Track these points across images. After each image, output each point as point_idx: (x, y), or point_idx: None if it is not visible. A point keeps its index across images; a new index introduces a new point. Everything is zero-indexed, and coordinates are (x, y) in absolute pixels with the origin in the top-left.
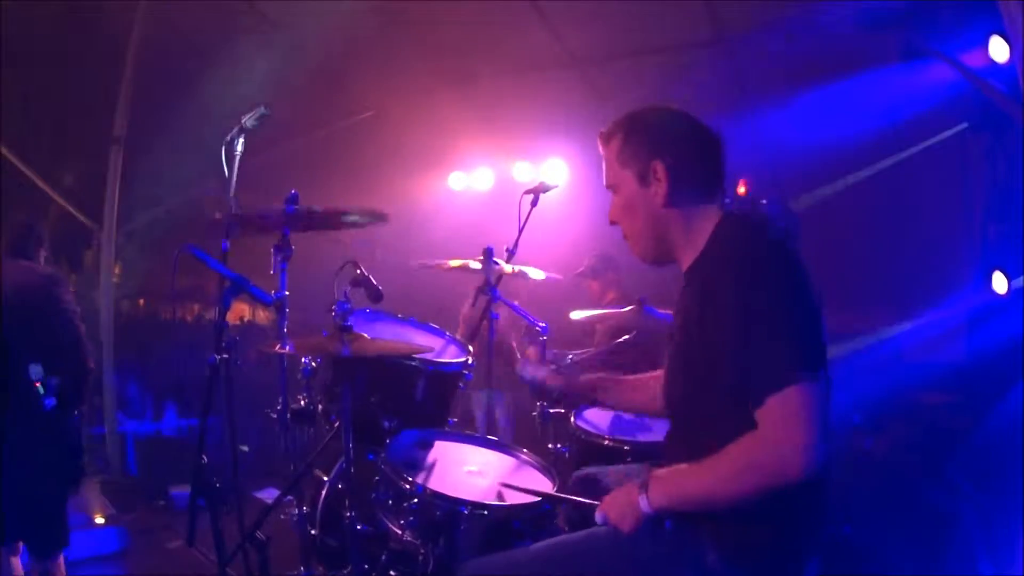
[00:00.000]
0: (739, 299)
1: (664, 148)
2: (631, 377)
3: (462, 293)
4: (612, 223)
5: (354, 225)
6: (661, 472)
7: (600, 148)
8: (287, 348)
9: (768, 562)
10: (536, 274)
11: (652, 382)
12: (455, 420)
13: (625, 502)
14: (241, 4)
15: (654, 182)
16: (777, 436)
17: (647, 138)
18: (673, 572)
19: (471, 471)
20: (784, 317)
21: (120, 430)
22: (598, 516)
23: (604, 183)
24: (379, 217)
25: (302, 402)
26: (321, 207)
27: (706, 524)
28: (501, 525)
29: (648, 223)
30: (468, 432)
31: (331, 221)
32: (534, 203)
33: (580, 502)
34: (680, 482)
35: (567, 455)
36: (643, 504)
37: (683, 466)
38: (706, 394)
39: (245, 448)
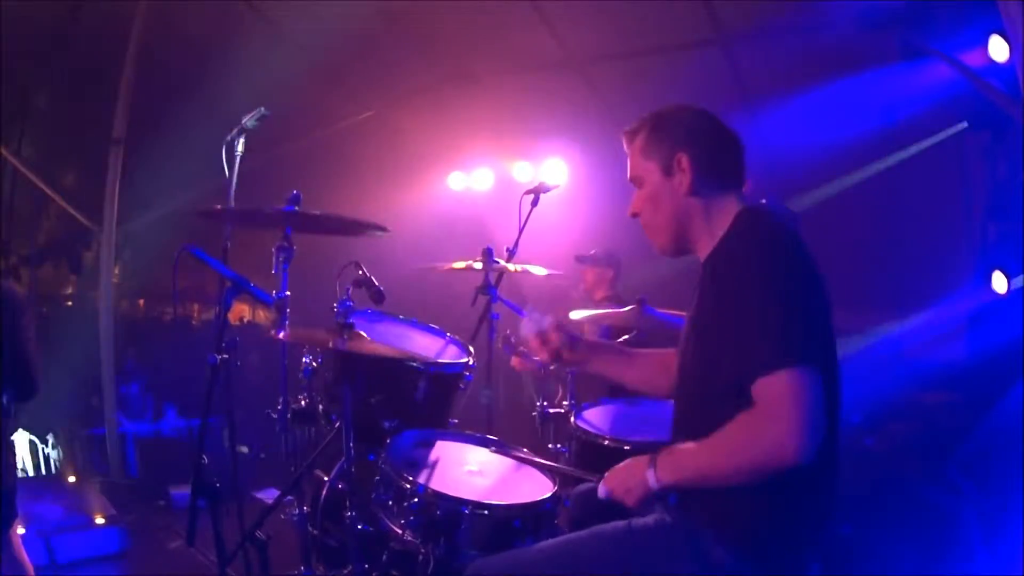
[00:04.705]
0: (745, 286)
1: (688, 140)
2: (633, 351)
3: (463, 293)
4: (633, 215)
5: (355, 232)
6: (669, 449)
7: (625, 145)
8: (282, 334)
9: (773, 557)
10: (538, 271)
11: (651, 361)
12: (456, 420)
13: (631, 476)
14: (241, 4)
15: (678, 172)
16: (770, 414)
17: (672, 131)
18: (679, 567)
19: (471, 471)
20: (786, 305)
21: (120, 431)
22: (601, 490)
23: (628, 177)
24: (378, 228)
25: (303, 402)
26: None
27: (712, 519)
28: (502, 525)
29: (671, 213)
30: (468, 432)
31: (333, 226)
32: (534, 203)
33: (584, 477)
34: (684, 457)
35: (567, 455)
36: (651, 479)
37: (689, 444)
38: (713, 380)
39: (245, 449)
